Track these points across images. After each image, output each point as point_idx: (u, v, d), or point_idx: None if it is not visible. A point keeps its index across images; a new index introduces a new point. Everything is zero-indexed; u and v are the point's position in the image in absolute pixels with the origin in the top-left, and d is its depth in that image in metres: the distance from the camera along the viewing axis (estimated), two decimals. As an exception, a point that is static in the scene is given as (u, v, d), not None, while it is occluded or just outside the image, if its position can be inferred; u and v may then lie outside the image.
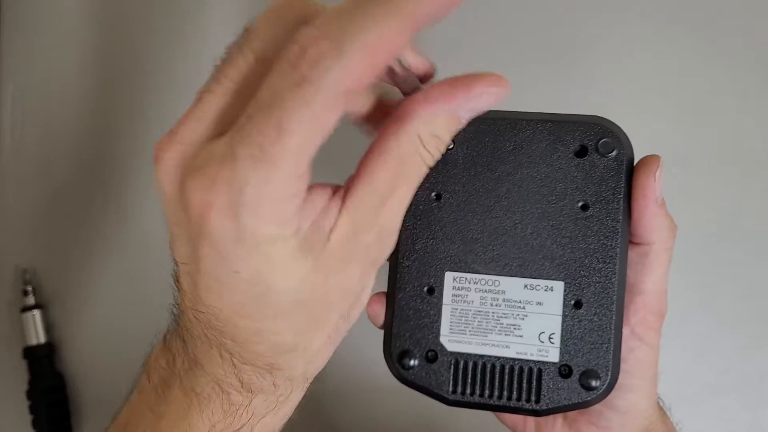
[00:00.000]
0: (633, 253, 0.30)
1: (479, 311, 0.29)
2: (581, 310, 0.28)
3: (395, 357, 0.31)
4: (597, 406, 0.30)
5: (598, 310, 0.28)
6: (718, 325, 0.49)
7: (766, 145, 0.49)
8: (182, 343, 0.26)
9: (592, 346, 0.28)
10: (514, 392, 0.29)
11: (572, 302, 0.29)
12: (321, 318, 0.25)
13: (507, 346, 0.29)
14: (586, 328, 0.28)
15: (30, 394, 0.56)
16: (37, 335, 0.57)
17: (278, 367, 0.25)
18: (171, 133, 0.22)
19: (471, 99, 0.23)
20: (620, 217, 0.28)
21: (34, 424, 0.56)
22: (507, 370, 0.29)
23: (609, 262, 0.28)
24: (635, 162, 0.30)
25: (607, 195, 0.29)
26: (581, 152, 0.29)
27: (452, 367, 0.30)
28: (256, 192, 0.19)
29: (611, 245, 0.28)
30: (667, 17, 0.51)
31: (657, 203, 0.28)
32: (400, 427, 0.54)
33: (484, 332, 0.29)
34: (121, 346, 0.58)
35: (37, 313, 0.57)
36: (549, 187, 0.29)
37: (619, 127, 0.29)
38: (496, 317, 0.29)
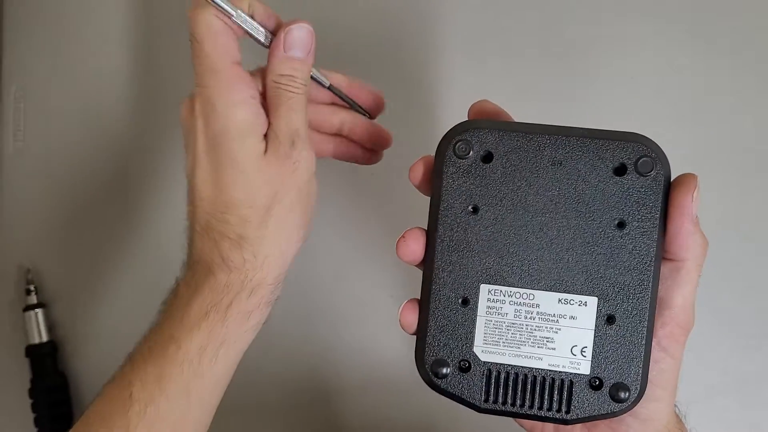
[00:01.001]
0: (665, 269, 0.30)
1: (513, 323, 0.30)
2: (614, 325, 0.29)
3: (429, 365, 0.31)
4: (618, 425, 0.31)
5: (630, 326, 0.29)
6: (718, 325, 0.49)
7: (765, 145, 0.49)
8: (189, 260, 0.37)
9: (623, 360, 0.29)
10: (545, 402, 0.30)
11: (605, 317, 0.29)
12: (273, 192, 0.34)
13: (540, 358, 0.30)
14: (617, 343, 0.29)
15: (32, 393, 0.57)
16: (40, 334, 0.57)
17: (245, 237, 0.34)
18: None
19: (288, 41, 0.35)
20: (656, 236, 0.29)
21: (37, 422, 0.57)
22: (539, 381, 0.30)
23: (643, 280, 0.29)
24: (672, 179, 0.30)
25: (644, 214, 0.29)
26: (620, 170, 0.30)
27: (485, 377, 0.30)
28: (216, 88, 0.34)
29: (646, 263, 0.29)
30: (667, 17, 0.51)
31: (693, 222, 0.29)
32: (400, 426, 0.54)
33: (518, 344, 0.30)
34: (123, 344, 0.58)
35: (39, 312, 0.58)
36: (587, 204, 0.30)
37: (658, 146, 0.30)
38: (529, 330, 0.30)
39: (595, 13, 0.52)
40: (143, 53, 0.61)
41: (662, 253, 0.30)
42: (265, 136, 0.35)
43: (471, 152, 0.31)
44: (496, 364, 0.30)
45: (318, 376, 0.56)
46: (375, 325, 0.55)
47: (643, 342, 0.29)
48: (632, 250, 0.29)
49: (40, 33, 0.63)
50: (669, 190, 0.30)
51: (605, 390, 0.29)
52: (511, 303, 0.30)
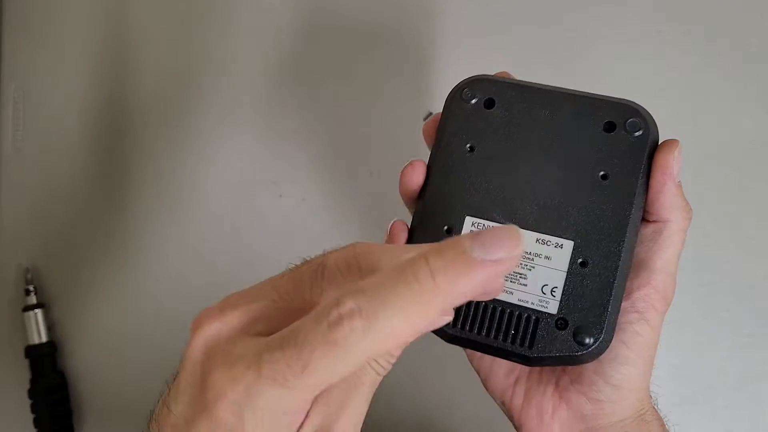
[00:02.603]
0: (647, 230, 0.31)
1: None
2: (585, 270, 0.30)
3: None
4: (590, 375, 0.31)
5: (601, 273, 0.30)
6: (718, 325, 0.49)
7: (764, 145, 0.49)
8: None
9: (590, 305, 0.29)
10: (510, 336, 0.30)
11: (578, 261, 0.30)
12: None
13: (511, 293, 0.31)
14: (587, 287, 0.30)
15: (32, 393, 0.57)
16: (39, 334, 0.57)
17: None
18: (221, 308, 0.23)
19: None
20: (636, 191, 0.30)
21: (36, 423, 0.57)
22: (507, 314, 0.30)
23: (619, 230, 0.30)
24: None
25: (627, 169, 0.30)
26: (609, 127, 0.31)
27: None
28: (265, 404, 0.21)
29: (624, 214, 0.30)
30: (667, 17, 0.51)
31: (674, 182, 0.30)
32: (400, 426, 0.54)
33: None
34: (122, 345, 0.58)
35: (39, 312, 0.58)
36: (575, 154, 0.31)
37: (648, 113, 0.31)
38: None
39: (595, 13, 0.52)
40: (144, 53, 0.61)
41: (645, 214, 0.31)
42: None
43: (475, 98, 0.33)
44: None
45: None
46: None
47: (611, 290, 0.29)
48: (612, 201, 0.30)
49: (40, 33, 0.63)
50: (654, 152, 0.31)
51: (569, 331, 0.29)
52: None
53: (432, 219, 0.33)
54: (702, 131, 0.50)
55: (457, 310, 0.31)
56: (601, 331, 0.29)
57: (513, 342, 0.30)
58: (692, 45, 0.51)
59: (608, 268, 0.30)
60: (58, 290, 0.59)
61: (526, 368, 0.35)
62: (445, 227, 0.32)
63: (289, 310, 0.22)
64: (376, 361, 0.24)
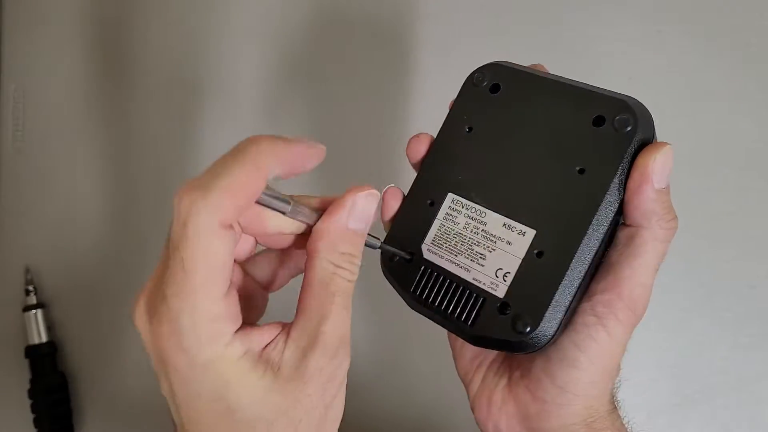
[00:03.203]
0: (622, 234, 0.30)
1: (459, 233, 0.32)
2: (540, 261, 0.30)
3: (385, 250, 0.34)
4: (537, 373, 0.31)
5: (553, 266, 0.29)
6: (718, 325, 0.49)
7: (764, 145, 0.49)
8: None
9: (535, 295, 0.29)
10: (458, 310, 0.31)
11: (536, 251, 0.30)
12: None
13: (468, 270, 0.32)
14: (536, 278, 0.29)
15: (32, 393, 0.57)
16: (39, 334, 0.57)
17: None
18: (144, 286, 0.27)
19: (349, 212, 0.27)
20: (608, 189, 0.29)
21: (36, 422, 0.57)
22: (459, 290, 0.31)
23: (581, 226, 0.29)
24: None
25: (605, 166, 0.29)
26: (598, 122, 0.30)
27: (420, 270, 0.33)
28: (189, 318, 0.24)
29: (589, 212, 0.29)
30: (667, 17, 0.51)
31: (652, 186, 0.28)
32: (400, 427, 0.54)
33: (456, 252, 0.32)
34: (122, 345, 0.58)
35: (39, 312, 0.58)
36: (559, 145, 0.31)
37: (644, 111, 0.30)
38: (470, 243, 0.32)
39: (595, 13, 0.52)
40: (143, 53, 0.61)
41: (623, 216, 0.30)
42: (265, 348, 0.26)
43: (484, 82, 0.34)
44: (432, 263, 0.33)
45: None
46: (375, 323, 0.55)
47: (558, 285, 0.29)
48: (582, 196, 0.29)
49: (40, 33, 0.63)
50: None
51: (509, 316, 0.30)
52: (465, 215, 0.32)
53: (420, 190, 0.34)
54: (702, 131, 0.50)
55: (418, 278, 0.33)
56: (538, 322, 0.29)
57: (459, 318, 0.31)
58: (692, 45, 0.51)
59: (561, 263, 0.29)
60: (58, 290, 0.59)
61: (489, 356, 0.36)
62: (429, 201, 0.34)
63: None
64: (339, 265, 0.26)
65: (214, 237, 0.24)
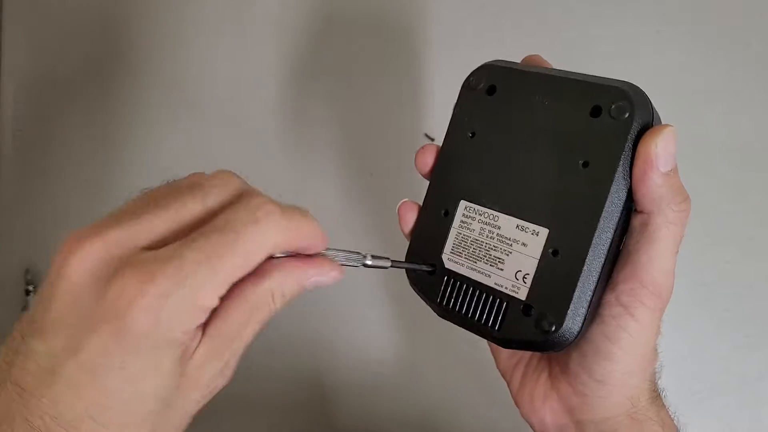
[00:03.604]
0: (636, 222, 0.30)
1: (476, 240, 0.32)
2: (556, 259, 0.30)
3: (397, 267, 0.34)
4: (575, 368, 0.31)
5: (569, 262, 0.29)
6: (718, 325, 0.49)
7: (764, 145, 0.49)
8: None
9: (556, 293, 0.29)
10: (484, 316, 0.31)
11: (551, 250, 0.30)
12: (153, 425, 0.24)
13: (489, 276, 0.32)
14: (555, 276, 0.29)
15: (32, 393, 0.57)
16: (39, 334, 0.57)
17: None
18: (97, 229, 0.24)
19: (314, 275, 0.27)
20: (614, 179, 0.29)
21: (36, 422, 0.56)
22: (483, 296, 0.32)
23: (591, 220, 0.29)
24: None
25: (607, 156, 0.29)
26: (595, 112, 0.30)
27: (444, 281, 0.33)
28: (188, 294, 0.22)
29: (598, 204, 0.29)
30: (666, 17, 0.51)
31: (657, 171, 0.28)
32: (405, 427, 0.54)
33: (475, 259, 0.32)
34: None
35: (38, 312, 0.58)
36: (561, 141, 0.30)
37: (641, 95, 0.29)
38: (487, 248, 0.32)
39: (595, 13, 0.52)
40: (144, 52, 0.61)
41: (635, 204, 0.30)
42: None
43: (480, 85, 0.34)
44: (455, 272, 0.33)
45: (316, 375, 0.56)
46: (376, 324, 0.55)
47: (576, 280, 0.29)
48: (589, 190, 0.29)
49: (40, 33, 0.63)
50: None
51: (533, 317, 0.30)
52: (480, 221, 0.32)
53: (433, 201, 0.34)
54: (702, 131, 0.50)
55: (442, 289, 0.33)
56: (562, 320, 0.29)
57: (486, 323, 0.31)
58: (692, 45, 0.51)
59: (576, 258, 0.29)
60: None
61: (527, 353, 0.36)
62: (443, 211, 0.34)
63: (182, 229, 0.24)
64: (274, 302, 0.25)
65: (259, 253, 0.24)
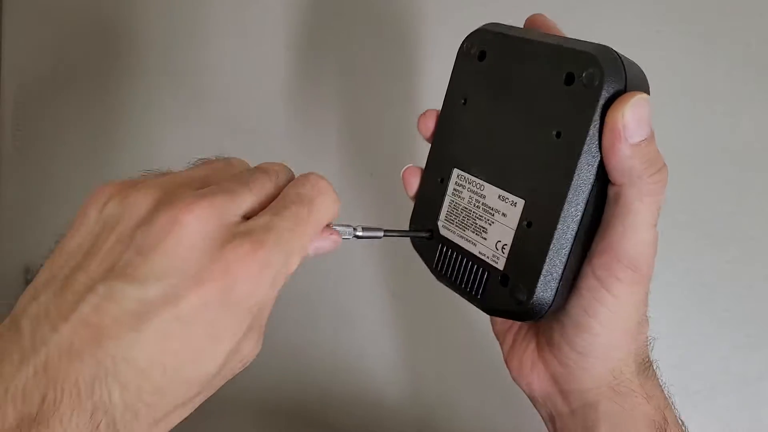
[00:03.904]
0: (611, 193, 0.29)
1: (465, 208, 0.33)
2: (530, 230, 0.29)
3: (412, 228, 0.36)
4: (558, 339, 0.31)
5: (541, 234, 0.29)
6: (718, 325, 0.49)
7: (764, 145, 0.49)
8: (39, 395, 0.23)
9: (528, 265, 0.29)
10: (470, 284, 0.32)
11: (525, 221, 0.30)
12: (189, 404, 0.26)
13: (474, 244, 0.32)
14: (528, 247, 0.29)
15: (32, 393, 0.57)
16: (39, 334, 0.57)
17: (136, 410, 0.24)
18: (206, 198, 0.25)
19: (319, 239, 0.28)
20: (583, 150, 0.27)
21: (36, 422, 0.56)
22: (469, 264, 0.32)
23: (561, 192, 0.28)
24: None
25: (578, 127, 0.28)
26: (569, 80, 0.28)
27: (438, 246, 0.34)
28: (284, 261, 0.25)
29: (567, 176, 0.28)
30: (667, 17, 0.51)
31: (625, 142, 0.27)
32: (404, 426, 0.54)
33: (464, 227, 0.33)
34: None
35: (38, 312, 0.58)
36: (539, 110, 0.29)
37: (612, 60, 0.28)
38: (473, 217, 0.32)
39: (595, 13, 0.52)
40: (143, 52, 0.61)
41: (606, 175, 0.29)
42: None
43: (472, 50, 0.33)
44: (447, 239, 0.33)
45: (316, 374, 0.56)
46: (375, 324, 0.55)
47: (546, 253, 0.28)
48: (560, 161, 0.28)
49: (40, 33, 0.63)
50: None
51: (509, 288, 0.30)
52: (468, 190, 0.32)
53: (432, 168, 0.35)
54: (702, 131, 0.50)
55: (437, 255, 0.34)
56: (533, 291, 0.29)
57: (471, 290, 0.32)
58: (692, 45, 0.51)
59: (547, 230, 0.28)
60: (58, 290, 0.59)
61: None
62: (440, 178, 0.34)
63: (263, 201, 0.27)
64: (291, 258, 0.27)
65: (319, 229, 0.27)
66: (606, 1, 0.52)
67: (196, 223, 0.24)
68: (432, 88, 0.55)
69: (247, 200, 0.26)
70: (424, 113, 0.35)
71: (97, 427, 0.23)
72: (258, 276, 0.24)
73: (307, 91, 0.58)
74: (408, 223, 0.36)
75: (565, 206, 0.28)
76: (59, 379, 0.22)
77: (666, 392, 0.33)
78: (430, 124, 0.35)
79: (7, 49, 0.63)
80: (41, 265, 0.26)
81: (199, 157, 0.32)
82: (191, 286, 0.23)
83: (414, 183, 0.36)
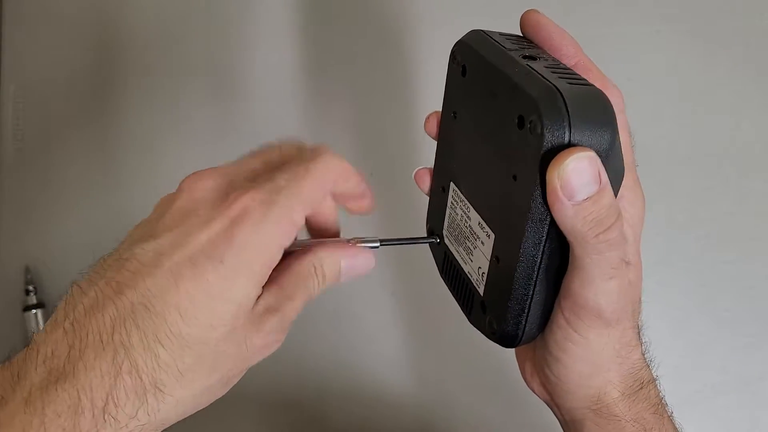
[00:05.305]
0: (571, 244, 0.28)
1: (458, 225, 0.33)
2: (498, 265, 0.29)
3: (428, 231, 0.36)
4: (540, 360, 0.32)
5: (506, 270, 0.28)
6: (718, 325, 0.49)
7: (764, 145, 0.49)
8: (66, 347, 0.25)
9: (497, 298, 0.30)
10: (462, 298, 0.33)
11: (495, 256, 0.29)
12: (213, 365, 0.27)
13: (465, 263, 0.32)
14: (497, 282, 0.30)
15: (32, 393, 0.57)
16: (39, 334, 0.57)
17: (161, 387, 0.25)
18: (211, 168, 0.29)
19: (352, 256, 0.31)
20: (533, 201, 0.26)
21: (36, 422, 0.56)
22: (462, 279, 0.33)
23: (519, 235, 0.27)
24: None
25: (527, 175, 0.26)
26: (520, 123, 0.26)
27: (443, 255, 0.34)
28: (285, 204, 0.27)
29: (522, 221, 0.27)
30: (666, 17, 0.51)
31: (566, 205, 0.25)
32: (402, 427, 0.54)
33: (459, 243, 0.33)
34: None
35: (39, 312, 0.58)
36: (501, 146, 0.28)
37: (554, 107, 0.25)
38: (465, 235, 0.32)
39: (595, 13, 0.52)
40: (143, 52, 0.61)
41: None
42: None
43: (456, 62, 0.32)
44: (449, 249, 0.34)
45: (315, 374, 0.56)
46: (374, 324, 0.55)
47: (510, 291, 0.28)
48: (517, 204, 0.27)
49: (40, 33, 0.63)
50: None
51: (486, 315, 0.30)
52: (460, 207, 0.32)
53: (437, 176, 0.35)
54: (702, 131, 0.50)
55: (442, 261, 0.34)
56: (501, 323, 0.29)
57: (462, 303, 0.33)
58: (692, 45, 0.51)
59: (510, 269, 0.28)
60: (58, 290, 0.59)
61: None
62: (441, 187, 0.34)
63: (266, 167, 0.29)
64: (316, 274, 0.29)
65: (319, 190, 0.29)
66: (606, 1, 0.52)
67: (203, 182, 0.28)
68: (433, 89, 0.55)
69: (249, 165, 0.29)
70: (427, 118, 0.35)
71: (120, 369, 0.24)
72: (260, 219, 0.26)
73: (306, 91, 0.58)
74: (409, 223, 0.37)
75: (522, 249, 0.27)
76: (83, 330, 0.24)
77: (662, 409, 0.33)
78: (433, 128, 0.35)
79: (7, 49, 0.63)
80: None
81: (196, 158, 0.33)
82: (199, 228, 0.26)
83: (427, 181, 0.36)
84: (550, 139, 0.25)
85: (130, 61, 0.61)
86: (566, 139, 0.25)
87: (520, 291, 0.29)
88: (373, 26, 0.58)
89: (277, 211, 0.26)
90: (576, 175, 0.25)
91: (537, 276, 0.28)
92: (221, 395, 0.28)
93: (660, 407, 0.33)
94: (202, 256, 0.25)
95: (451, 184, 0.33)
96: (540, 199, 0.26)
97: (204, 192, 0.28)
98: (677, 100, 0.51)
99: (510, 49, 0.29)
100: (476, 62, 0.30)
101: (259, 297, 0.27)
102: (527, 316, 0.29)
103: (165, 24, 0.61)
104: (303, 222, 0.28)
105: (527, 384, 0.35)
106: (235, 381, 0.28)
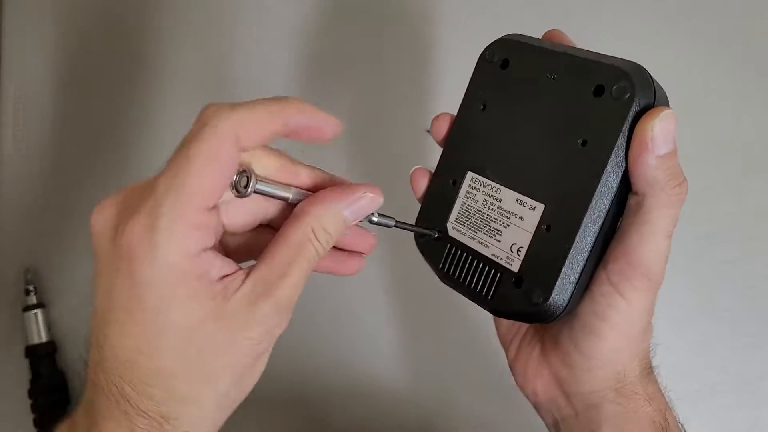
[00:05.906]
0: (631, 201, 0.30)
1: (479, 210, 0.34)
2: (549, 234, 0.30)
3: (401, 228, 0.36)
4: (565, 341, 0.32)
5: (560, 239, 0.30)
6: (718, 325, 0.49)
7: (764, 145, 0.49)
8: (84, 408, 0.27)
9: (545, 268, 0.30)
10: (479, 284, 0.33)
11: (545, 225, 0.31)
12: (213, 371, 0.26)
13: (487, 246, 0.33)
14: (546, 251, 0.30)
15: (32, 393, 0.57)
16: (39, 334, 0.57)
17: (170, 417, 0.26)
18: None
19: (353, 201, 0.28)
20: (610, 159, 0.29)
21: (36, 422, 0.57)
22: (480, 265, 0.33)
23: (585, 199, 0.29)
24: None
25: (605, 136, 0.29)
26: (598, 91, 0.30)
27: (447, 247, 0.34)
28: (171, 213, 0.25)
29: (592, 184, 0.29)
30: (666, 17, 0.51)
31: (652, 154, 0.28)
32: (401, 427, 0.54)
33: (476, 229, 0.34)
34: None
35: (39, 312, 0.58)
36: (564, 118, 0.31)
37: (644, 76, 0.30)
38: (487, 219, 0.33)
39: (595, 13, 0.52)
40: (143, 52, 0.61)
41: (629, 184, 0.30)
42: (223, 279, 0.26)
43: (495, 58, 0.34)
44: (457, 241, 0.34)
45: (315, 374, 0.56)
46: (371, 323, 0.55)
47: (566, 257, 0.30)
48: (585, 168, 0.30)
49: (40, 33, 0.63)
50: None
51: (523, 289, 0.31)
52: (483, 193, 0.33)
53: (444, 170, 0.35)
54: (702, 131, 0.50)
55: (445, 255, 0.34)
56: (550, 293, 0.30)
57: (481, 291, 0.33)
58: (692, 45, 0.51)
59: (567, 235, 0.30)
60: (58, 290, 0.59)
61: (524, 325, 0.37)
62: (452, 180, 0.35)
63: None
64: (317, 238, 0.27)
65: (226, 143, 0.25)
66: (606, 1, 0.52)
67: (102, 212, 0.29)
68: (434, 88, 0.55)
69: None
70: (438, 116, 0.36)
71: (131, 418, 0.25)
72: (149, 249, 0.25)
73: (307, 91, 0.58)
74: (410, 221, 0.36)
75: (588, 211, 0.29)
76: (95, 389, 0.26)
77: (666, 396, 0.34)
78: (443, 128, 0.36)
79: (7, 49, 0.63)
80: None
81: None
82: (109, 277, 0.27)
83: (422, 185, 0.36)
84: (639, 101, 0.29)
85: (132, 60, 0.61)
86: (653, 102, 0.29)
87: (577, 256, 0.30)
88: (373, 26, 0.58)
89: (164, 236, 0.24)
90: (665, 129, 0.28)
91: (596, 239, 0.30)
92: (250, 390, 0.29)
93: (664, 391, 0.34)
94: (116, 304, 0.27)
95: (468, 174, 0.34)
96: (619, 155, 0.29)
97: (100, 227, 0.29)
98: (677, 100, 0.50)
99: (556, 44, 0.33)
100: (525, 52, 0.33)
101: (241, 284, 0.26)
102: (577, 283, 0.30)
103: (165, 24, 0.61)
104: (218, 216, 0.27)
105: (524, 387, 0.35)
106: (257, 372, 0.28)
